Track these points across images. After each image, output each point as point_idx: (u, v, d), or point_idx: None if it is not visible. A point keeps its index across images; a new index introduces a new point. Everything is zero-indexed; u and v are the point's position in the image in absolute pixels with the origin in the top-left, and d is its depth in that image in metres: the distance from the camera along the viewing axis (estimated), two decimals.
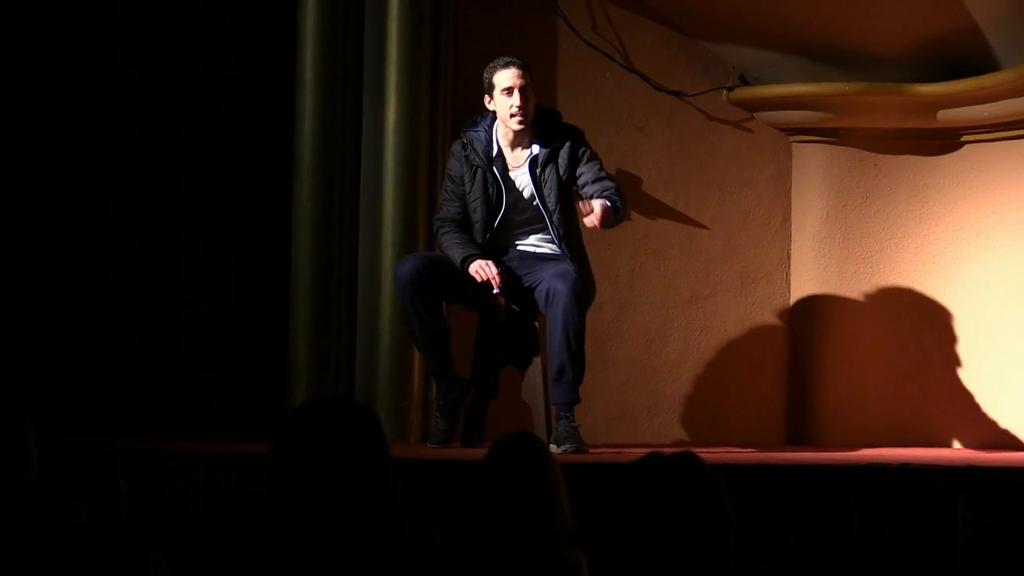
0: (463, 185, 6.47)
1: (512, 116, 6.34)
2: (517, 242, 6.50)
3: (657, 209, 7.51)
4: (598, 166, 6.41)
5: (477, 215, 6.45)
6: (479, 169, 6.43)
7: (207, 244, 7.12)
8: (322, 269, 6.91)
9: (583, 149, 6.42)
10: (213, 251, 7.12)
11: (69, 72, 6.97)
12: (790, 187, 7.63)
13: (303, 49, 6.91)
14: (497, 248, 6.46)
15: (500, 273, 6.31)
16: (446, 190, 6.54)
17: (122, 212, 7.04)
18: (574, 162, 6.40)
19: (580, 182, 6.39)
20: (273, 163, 7.06)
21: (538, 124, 6.43)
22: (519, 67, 6.37)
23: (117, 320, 7.01)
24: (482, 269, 6.32)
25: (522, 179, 6.44)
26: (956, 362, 7.38)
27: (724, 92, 7.54)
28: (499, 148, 6.45)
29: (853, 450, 6.85)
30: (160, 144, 7.07)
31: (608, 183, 6.37)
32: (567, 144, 6.40)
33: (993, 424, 7.27)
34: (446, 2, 7.01)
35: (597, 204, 6.18)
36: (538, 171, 6.39)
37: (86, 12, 6.98)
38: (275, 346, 6.98)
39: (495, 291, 6.35)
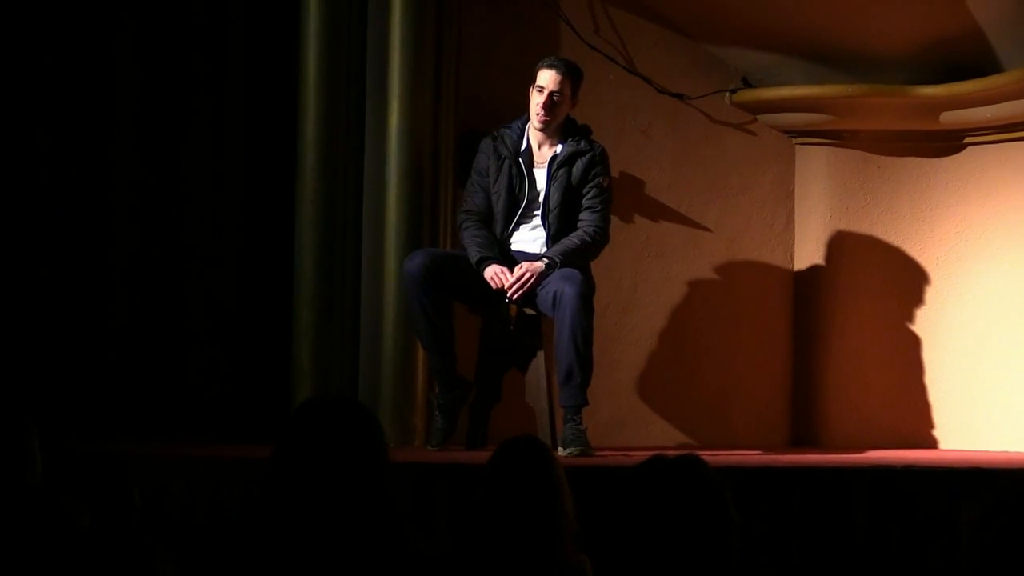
0: (487, 177, 6.54)
1: (536, 114, 6.50)
2: (517, 238, 6.53)
3: (660, 212, 7.51)
4: (601, 197, 6.51)
5: (499, 206, 6.53)
6: (506, 160, 6.54)
7: (211, 247, 7.11)
8: (326, 272, 6.91)
9: (599, 171, 6.52)
10: (216, 254, 7.11)
11: (72, 74, 6.96)
12: (793, 189, 7.63)
13: (306, 53, 6.91)
14: (507, 247, 6.49)
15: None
16: (471, 183, 6.64)
17: (125, 216, 7.03)
18: (584, 178, 6.50)
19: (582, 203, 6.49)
20: (276, 166, 7.06)
21: (569, 132, 6.55)
22: (559, 72, 6.52)
23: (121, 324, 7.01)
24: (497, 276, 6.34)
25: (542, 179, 6.52)
26: (961, 364, 7.38)
27: (727, 95, 7.54)
28: (528, 144, 6.55)
29: (857, 452, 6.86)
30: (163, 149, 7.07)
31: (595, 218, 6.47)
32: (587, 156, 6.51)
33: (998, 426, 7.27)
34: (449, 6, 7.00)
35: (524, 267, 6.33)
36: (555, 169, 6.46)
37: (88, 14, 6.97)
38: (279, 349, 6.97)
39: (508, 299, 6.35)
